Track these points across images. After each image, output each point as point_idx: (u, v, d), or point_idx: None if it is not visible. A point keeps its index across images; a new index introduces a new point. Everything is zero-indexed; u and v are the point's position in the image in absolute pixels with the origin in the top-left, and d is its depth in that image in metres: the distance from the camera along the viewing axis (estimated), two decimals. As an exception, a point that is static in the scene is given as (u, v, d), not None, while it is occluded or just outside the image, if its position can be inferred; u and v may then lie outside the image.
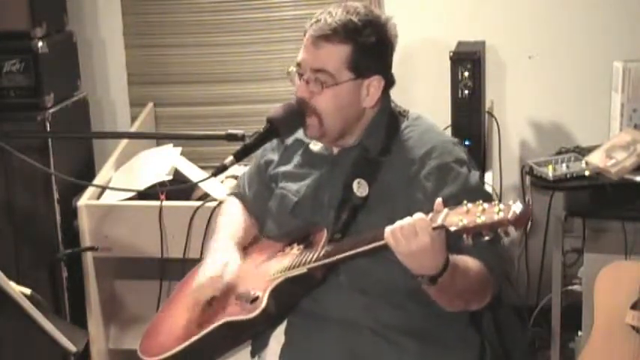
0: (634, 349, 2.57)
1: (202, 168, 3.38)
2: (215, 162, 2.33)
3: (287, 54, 3.50)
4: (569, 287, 3.35)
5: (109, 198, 3.16)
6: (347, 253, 1.92)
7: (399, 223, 1.78)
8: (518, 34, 3.51)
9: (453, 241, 1.79)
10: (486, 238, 1.69)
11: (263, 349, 2.10)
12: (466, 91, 2.98)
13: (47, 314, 1.97)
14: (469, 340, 2.14)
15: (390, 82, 2.14)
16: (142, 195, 3.09)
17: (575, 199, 3.09)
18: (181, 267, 2.88)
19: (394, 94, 2.19)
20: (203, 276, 2.11)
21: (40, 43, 3.24)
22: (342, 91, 2.05)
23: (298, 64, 2.09)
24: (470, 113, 3.01)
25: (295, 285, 2.01)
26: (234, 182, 2.95)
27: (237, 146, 2.09)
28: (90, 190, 3.16)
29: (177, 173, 3.21)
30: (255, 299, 1.99)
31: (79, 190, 3.23)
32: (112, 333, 3.33)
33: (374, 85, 2.09)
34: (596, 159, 3.07)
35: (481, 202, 1.71)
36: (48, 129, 3.25)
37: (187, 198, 3.16)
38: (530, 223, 2.77)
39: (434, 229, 1.75)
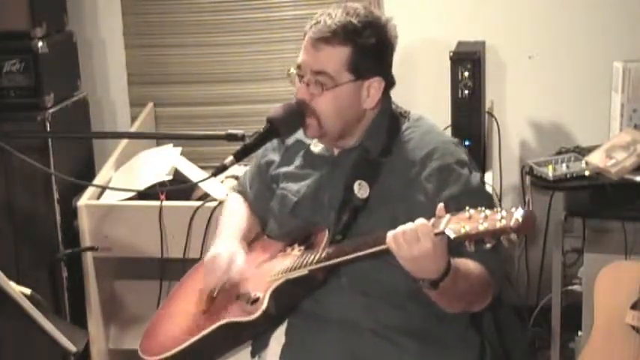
0: (634, 349, 2.57)
1: (202, 168, 3.37)
2: (215, 162, 2.33)
3: (287, 54, 3.50)
4: (569, 287, 3.35)
5: (109, 198, 3.16)
6: (348, 257, 1.92)
7: (401, 228, 1.78)
8: (518, 34, 3.51)
9: (454, 245, 1.78)
10: (488, 245, 1.69)
11: (263, 350, 2.10)
12: (466, 91, 2.98)
13: (47, 314, 1.97)
14: (469, 340, 2.14)
15: (390, 82, 2.14)
16: (141, 195, 3.09)
17: (575, 199, 3.09)
18: (181, 267, 2.87)
19: (394, 94, 2.19)
20: (209, 267, 2.11)
21: (40, 43, 3.24)
22: (342, 93, 2.05)
23: (298, 66, 2.08)
24: (470, 113, 3.01)
25: (296, 286, 2.01)
26: (234, 182, 2.95)
27: (237, 146, 2.09)
28: (90, 190, 3.16)
29: (177, 173, 3.21)
30: (255, 300, 1.99)
31: (79, 190, 3.23)
32: (112, 333, 3.33)
33: (374, 86, 2.09)
34: (596, 159, 3.07)
35: (483, 208, 1.70)
36: (48, 129, 3.24)
37: (187, 198, 3.16)
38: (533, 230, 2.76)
39: (436, 234, 1.75)
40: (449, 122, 3.02)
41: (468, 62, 2.97)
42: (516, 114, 3.58)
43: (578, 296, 3.21)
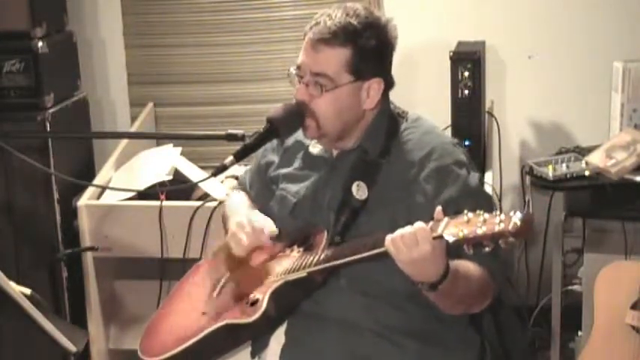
0: (634, 349, 2.57)
1: (202, 168, 3.37)
2: (215, 162, 2.33)
3: (287, 54, 3.50)
4: (569, 287, 3.35)
5: (109, 198, 3.16)
6: (347, 259, 1.92)
7: (399, 232, 1.78)
8: (518, 34, 3.51)
9: (453, 248, 1.78)
10: (487, 249, 1.68)
11: (263, 350, 2.10)
12: (466, 91, 2.98)
13: (47, 314, 1.97)
14: (469, 340, 2.14)
15: (389, 83, 2.13)
16: (141, 195, 3.09)
17: (575, 199, 3.09)
18: (181, 267, 2.87)
19: (394, 94, 2.19)
20: (241, 225, 2.08)
21: (40, 43, 3.24)
22: (342, 95, 2.05)
23: (298, 67, 2.08)
24: (470, 113, 3.01)
25: (295, 288, 2.01)
26: (234, 182, 2.95)
27: (237, 146, 2.09)
28: (90, 190, 3.16)
29: (177, 173, 3.21)
30: (255, 302, 1.99)
31: (79, 190, 3.23)
32: (112, 333, 3.33)
33: (374, 87, 2.08)
34: (596, 159, 3.07)
35: (482, 212, 1.69)
36: (48, 129, 3.24)
37: (187, 198, 3.16)
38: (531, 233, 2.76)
39: (434, 238, 1.74)
40: (449, 122, 3.02)
41: (468, 62, 2.97)
42: (516, 114, 3.58)
43: (578, 296, 3.21)
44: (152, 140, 3.65)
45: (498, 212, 1.68)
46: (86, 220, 3.08)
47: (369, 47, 2.04)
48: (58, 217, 3.26)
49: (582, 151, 3.20)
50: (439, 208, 1.79)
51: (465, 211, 1.72)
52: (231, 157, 2.05)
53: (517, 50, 3.53)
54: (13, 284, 1.95)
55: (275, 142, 2.25)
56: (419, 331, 2.04)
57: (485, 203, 1.85)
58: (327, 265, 1.96)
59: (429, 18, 3.55)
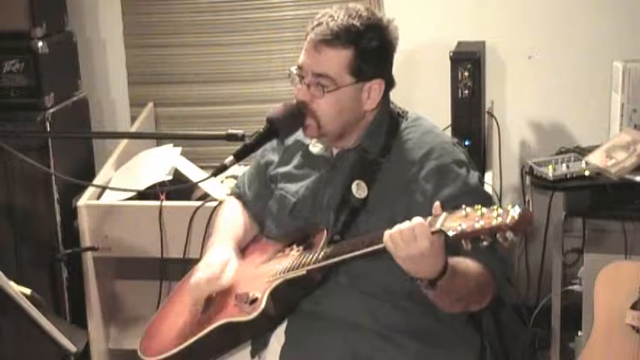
0: (634, 349, 2.57)
1: (202, 168, 3.37)
2: (215, 162, 2.33)
3: (287, 54, 3.50)
4: (569, 287, 3.34)
5: (109, 198, 3.16)
6: (346, 256, 1.93)
7: (397, 228, 1.78)
8: (518, 34, 3.51)
9: (452, 244, 1.78)
10: (485, 243, 1.68)
11: (263, 350, 2.10)
12: (466, 91, 2.98)
13: (47, 314, 1.97)
14: (469, 340, 2.14)
15: (390, 83, 2.14)
16: (142, 195, 3.09)
17: (575, 199, 3.09)
18: (181, 267, 2.87)
19: (394, 94, 2.19)
20: (200, 276, 2.11)
21: (40, 43, 3.23)
22: (343, 96, 2.05)
23: (299, 67, 2.08)
24: (470, 113, 3.01)
25: (294, 287, 2.01)
26: (234, 182, 2.95)
27: (237, 146, 2.09)
28: (90, 190, 3.16)
29: (177, 173, 3.21)
30: (254, 300, 1.99)
31: (79, 190, 3.22)
32: (112, 333, 3.33)
33: (375, 88, 2.09)
34: (596, 159, 3.07)
35: (480, 206, 1.70)
36: (48, 129, 3.24)
37: (187, 198, 3.16)
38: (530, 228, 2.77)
39: (432, 233, 1.74)
40: (449, 122, 3.02)
41: (468, 62, 2.97)
42: (516, 114, 3.58)
43: (578, 296, 3.21)
44: (152, 140, 3.65)
45: (496, 206, 1.68)
46: (86, 220, 3.08)
47: (371, 49, 2.05)
48: (58, 217, 3.26)
49: (582, 151, 3.20)
50: (437, 204, 1.79)
51: (464, 206, 1.72)
52: (231, 157, 2.05)
53: (517, 50, 3.52)
54: (13, 284, 1.95)
55: (275, 141, 2.25)
56: (419, 331, 2.04)
57: (485, 202, 1.85)
58: (326, 262, 1.96)
59: (429, 18, 3.55)
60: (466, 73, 2.97)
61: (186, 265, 2.80)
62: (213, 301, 2.10)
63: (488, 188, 2.84)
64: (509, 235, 1.65)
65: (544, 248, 3.37)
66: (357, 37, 2.03)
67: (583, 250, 3.18)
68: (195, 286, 2.11)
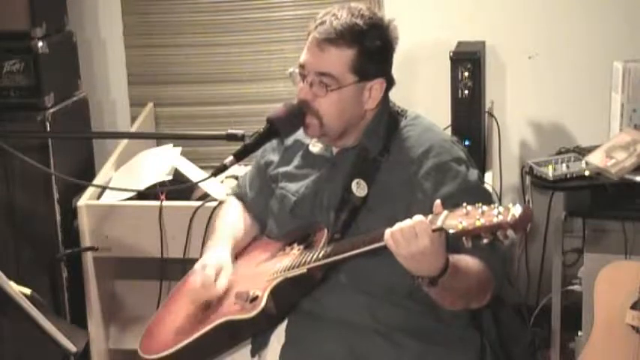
0: (634, 349, 2.57)
1: (202, 168, 3.37)
2: (215, 162, 2.33)
3: (287, 54, 3.50)
4: (569, 287, 3.34)
5: (109, 198, 3.16)
6: (346, 254, 1.93)
7: (398, 226, 1.78)
8: (518, 34, 3.51)
9: (452, 242, 1.79)
10: (485, 241, 1.69)
11: (263, 349, 2.10)
12: (466, 91, 2.98)
13: (47, 314, 1.97)
14: (469, 339, 2.14)
15: (390, 83, 2.14)
16: (141, 195, 3.10)
17: (575, 199, 3.09)
18: (181, 267, 2.87)
19: (395, 94, 2.19)
20: (196, 280, 2.11)
21: (40, 43, 3.23)
22: (346, 95, 2.06)
23: (301, 66, 2.08)
24: (470, 113, 3.01)
25: (295, 285, 2.01)
26: (234, 182, 2.95)
27: (237, 146, 2.09)
28: (90, 190, 3.16)
29: (177, 173, 3.21)
30: (254, 299, 1.99)
31: (79, 190, 3.22)
32: (112, 333, 3.33)
33: (376, 87, 2.09)
34: (596, 159, 3.07)
35: (480, 204, 1.70)
36: (48, 129, 3.24)
37: (187, 198, 3.16)
38: (529, 225, 2.77)
39: (433, 231, 1.75)
40: (449, 122, 3.02)
41: (468, 62, 2.97)
42: (516, 114, 3.58)
43: (578, 296, 3.21)
44: (152, 140, 3.65)
45: (497, 204, 1.68)
46: (86, 220, 3.08)
47: (374, 48, 2.05)
48: (58, 217, 3.26)
49: (582, 151, 3.20)
50: (438, 202, 1.79)
51: (464, 204, 1.72)
52: (231, 157, 2.06)
53: (517, 50, 3.52)
54: (13, 284, 1.95)
55: (275, 141, 2.25)
56: (419, 330, 2.04)
57: (485, 199, 1.85)
58: (327, 261, 1.97)
59: (429, 18, 3.55)
60: (466, 73, 2.97)
61: (186, 265, 2.80)
62: (212, 302, 2.10)
63: (487, 188, 2.84)
64: (510, 233, 1.66)
65: (544, 248, 3.37)
66: (360, 37, 2.03)
67: (583, 250, 3.18)
68: (192, 291, 2.12)
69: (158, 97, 3.71)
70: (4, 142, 2.25)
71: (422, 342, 2.03)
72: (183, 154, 3.37)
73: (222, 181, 3.20)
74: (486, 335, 2.17)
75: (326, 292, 2.05)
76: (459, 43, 3.16)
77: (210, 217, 2.93)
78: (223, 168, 2.05)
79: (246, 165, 2.67)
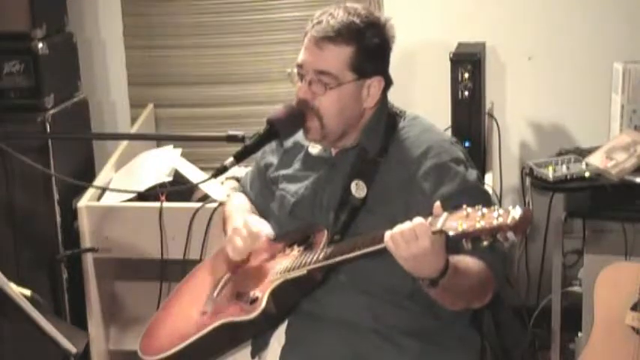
0: (634, 350, 2.57)
1: (202, 169, 3.37)
2: (215, 163, 2.32)
3: (287, 55, 3.50)
4: (570, 288, 3.35)
5: (109, 199, 3.16)
6: (346, 256, 1.93)
7: (398, 228, 1.78)
8: (518, 34, 3.51)
9: (452, 243, 1.79)
10: (485, 243, 1.69)
11: (263, 350, 2.10)
12: (466, 92, 2.98)
13: (47, 315, 1.97)
14: (469, 340, 2.14)
15: (388, 82, 2.14)
16: (142, 196, 3.10)
17: (575, 200, 3.09)
18: (181, 268, 2.88)
19: (395, 95, 2.19)
20: (238, 233, 2.11)
21: (40, 44, 3.23)
22: (345, 92, 2.06)
23: (299, 65, 2.08)
24: (470, 114, 3.01)
25: (295, 286, 2.01)
26: (234, 183, 2.96)
27: (237, 147, 2.09)
28: (90, 191, 3.17)
29: (177, 174, 3.21)
30: (254, 300, 1.99)
31: (79, 191, 3.23)
32: (112, 334, 3.33)
33: (374, 85, 2.09)
34: (597, 160, 3.07)
35: (480, 206, 1.70)
36: (48, 130, 3.24)
37: (187, 199, 3.16)
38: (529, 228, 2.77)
39: (433, 233, 1.75)
40: (449, 123, 3.02)
41: (468, 63, 2.97)
42: (516, 115, 3.58)
43: (578, 297, 3.21)
44: (152, 141, 3.65)
45: (497, 207, 1.68)
46: (86, 221, 3.08)
47: (372, 46, 2.06)
48: (58, 218, 3.26)
49: (582, 153, 3.20)
50: (437, 203, 1.79)
51: (464, 206, 1.73)
52: (231, 159, 2.06)
53: (517, 51, 3.52)
54: (13, 285, 1.95)
55: (274, 143, 2.25)
56: (419, 331, 2.04)
57: (484, 199, 1.85)
58: (327, 262, 1.97)
59: (429, 19, 3.55)
60: (466, 74, 2.97)
61: (186, 266, 2.81)
62: (214, 300, 2.10)
63: (487, 189, 2.84)
64: (510, 235, 1.66)
65: (544, 249, 3.37)
66: (358, 34, 2.04)
67: (583, 251, 3.18)
68: (232, 242, 2.11)
69: (158, 98, 3.71)
70: (4, 143, 2.25)
71: (422, 342, 2.04)
72: (183, 155, 3.37)
73: (222, 183, 3.20)
74: (486, 336, 2.18)
75: (326, 293, 2.05)
76: (459, 45, 3.16)
77: (210, 219, 2.94)
78: (223, 169, 2.05)
79: (246, 166, 2.67)
